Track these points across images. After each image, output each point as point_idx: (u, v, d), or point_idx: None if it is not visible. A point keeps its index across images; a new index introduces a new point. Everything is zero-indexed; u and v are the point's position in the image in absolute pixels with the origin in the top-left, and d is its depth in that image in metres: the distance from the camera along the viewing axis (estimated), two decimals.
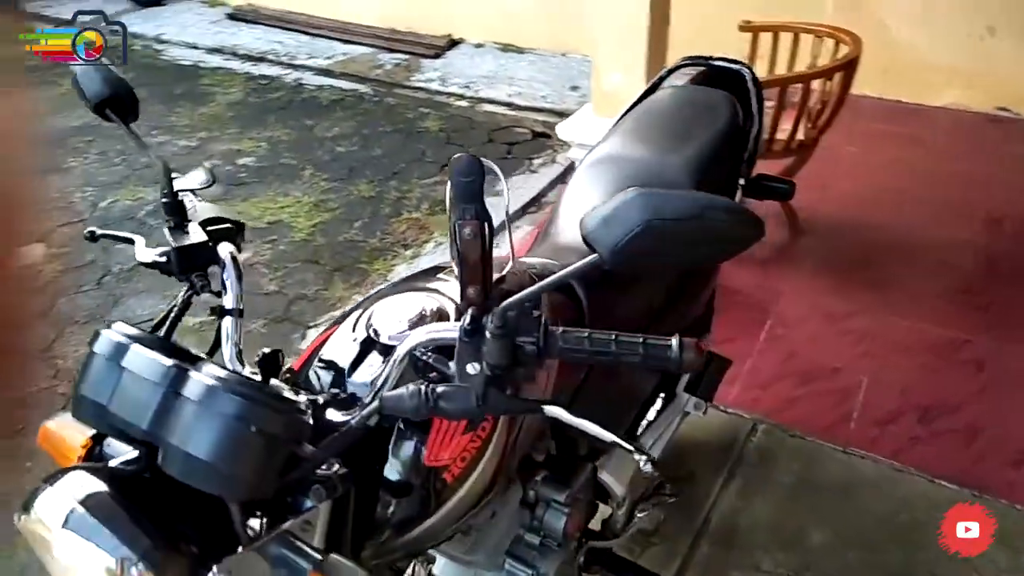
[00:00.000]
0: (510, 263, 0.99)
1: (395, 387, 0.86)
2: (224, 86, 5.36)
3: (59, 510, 0.73)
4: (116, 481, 0.77)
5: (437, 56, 5.73)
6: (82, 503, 0.73)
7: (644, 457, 0.80)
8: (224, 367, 0.84)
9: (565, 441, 1.45)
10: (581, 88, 4.87)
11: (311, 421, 0.80)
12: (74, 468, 0.76)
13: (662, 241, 0.75)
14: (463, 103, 5.02)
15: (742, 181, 1.73)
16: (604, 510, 1.62)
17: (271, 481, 0.77)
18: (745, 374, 2.55)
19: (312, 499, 0.83)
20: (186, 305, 1.00)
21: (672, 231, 0.75)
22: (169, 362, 0.74)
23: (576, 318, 1.30)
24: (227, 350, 0.96)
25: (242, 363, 0.96)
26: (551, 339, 0.83)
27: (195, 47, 6.16)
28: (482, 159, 0.80)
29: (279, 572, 0.78)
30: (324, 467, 0.84)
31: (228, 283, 1.00)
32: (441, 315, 1.03)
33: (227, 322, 0.98)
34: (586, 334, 0.83)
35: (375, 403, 0.83)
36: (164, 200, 1.01)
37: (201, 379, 0.73)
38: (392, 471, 0.97)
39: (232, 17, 6.73)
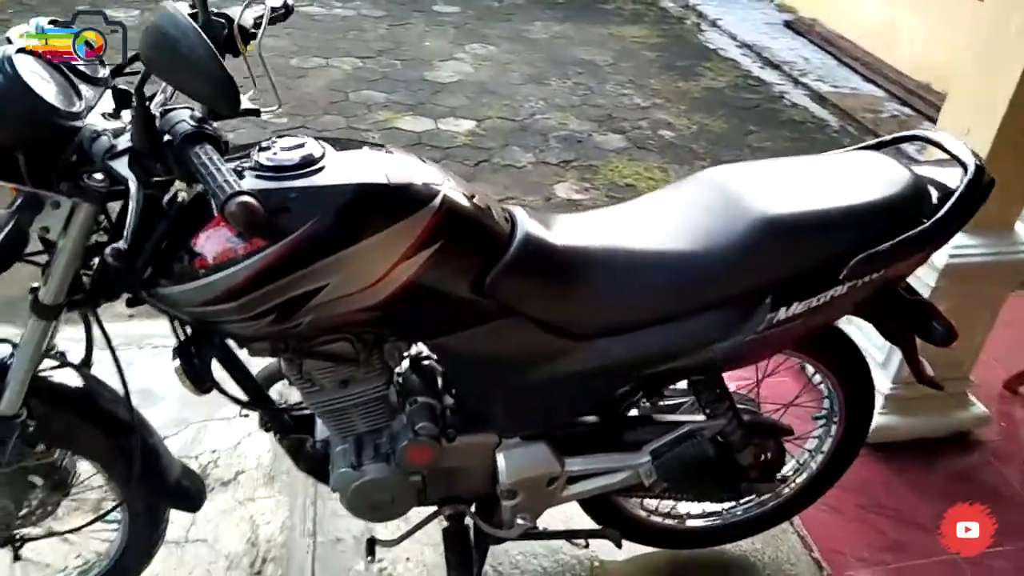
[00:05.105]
0: None
1: None
2: (717, 73, 5.59)
3: None
4: None
5: None
6: None
7: None
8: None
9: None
10: None
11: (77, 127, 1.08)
12: None
13: (167, 50, 0.92)
14: None
15: (844, 273, 1.35)
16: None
17: (14, 140, 1.05)
18: (874, 545, 1.97)
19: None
20: None
21: (171, 43, 0.91)
22: (13, 47, 1.08)
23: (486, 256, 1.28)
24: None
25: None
26: (194, 149, 0.97)
27: (733, 37, 6.47)
28: None
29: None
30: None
31: None
32: (311, 160, 1.17)
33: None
34: (219, 159, 0.94)
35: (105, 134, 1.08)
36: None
37: (17, 61, 1.05)
38: (188, 236, 1.16)
39: (787, 25, 6.82)
